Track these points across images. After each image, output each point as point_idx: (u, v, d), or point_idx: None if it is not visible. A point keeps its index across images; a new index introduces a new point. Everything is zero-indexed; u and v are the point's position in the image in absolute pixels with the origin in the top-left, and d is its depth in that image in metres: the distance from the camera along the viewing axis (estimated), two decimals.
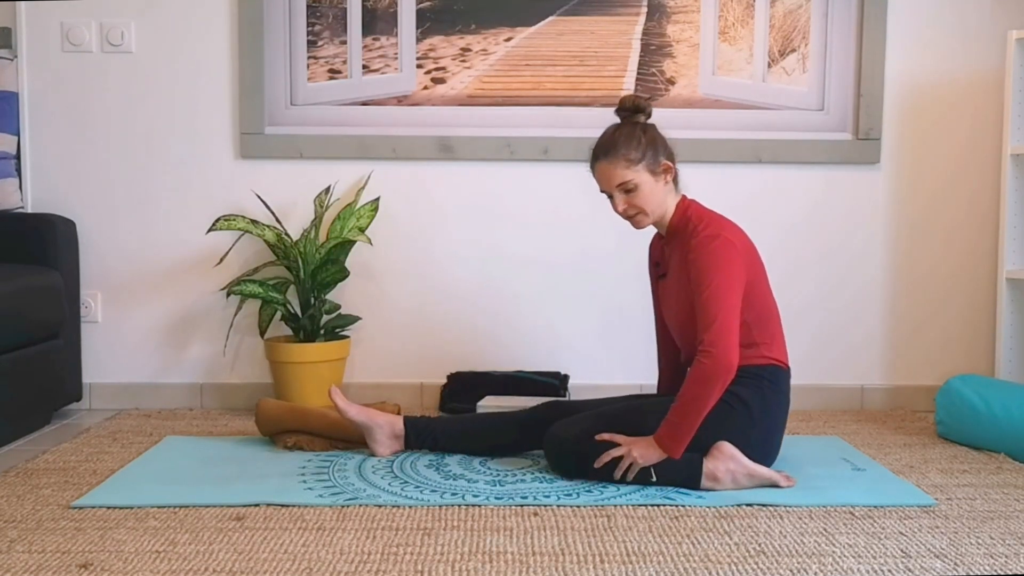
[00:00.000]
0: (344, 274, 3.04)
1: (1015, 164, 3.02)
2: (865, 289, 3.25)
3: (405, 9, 3.15)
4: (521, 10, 3.16)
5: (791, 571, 1.79)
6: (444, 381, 3.18)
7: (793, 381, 2.42)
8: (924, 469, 2.48)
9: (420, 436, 2.55)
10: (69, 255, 3.08)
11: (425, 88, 3.17)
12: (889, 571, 1.80)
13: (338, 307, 3.14)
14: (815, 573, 1.79)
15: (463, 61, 3.17)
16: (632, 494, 2.22)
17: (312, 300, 3.03)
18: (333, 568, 1.79)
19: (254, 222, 3.03)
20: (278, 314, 3.08)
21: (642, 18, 3.17)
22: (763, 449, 2.33)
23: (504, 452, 2.54)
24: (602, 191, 2.37)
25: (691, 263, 2.27)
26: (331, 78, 3.17)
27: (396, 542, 1.92)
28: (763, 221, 3.11)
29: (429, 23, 3.16)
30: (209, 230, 3.02)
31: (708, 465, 2.25)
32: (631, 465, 2.24)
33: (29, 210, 3.15)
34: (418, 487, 2.27)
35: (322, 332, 3.07)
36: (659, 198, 2.34)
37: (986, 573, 1.80)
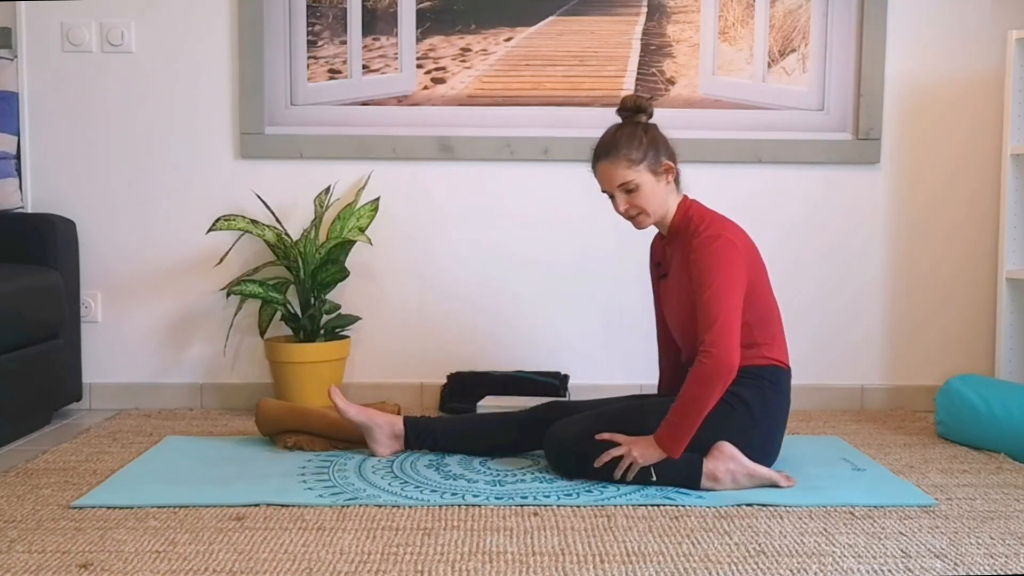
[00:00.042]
0: (344, 274, 3.04)
1: (1015, 164, 3.02)
2: (865, 289, 3.25)
3: (405, 9, 3.15)
4: (521, 10, 3.16)
5: (791, 571, 1.79)
6: (444, 381, 3.18)
7: (793, 381, 2.42)
8: (924, 469, 2.48)
9: (420, 436, 2.55)
10: (69, 255, 3.08)
11: (425, 88, 3.17)
12: (889, 571, 1.80)
13: (338, 307, 3.14)
14: (815, 573, 1.79)
15: (463, 61, 3.17)
16: (632, 494, 2.22)
17: (312, 300, 3.03)
18: (333, 568, 1.79)
19: (254, 222, 3.03)
20: (278, 314, 3.08)
21: (642, 18, 3.17)
22: (764, 449, 2.33)
23: (504, 452, 2.54)
24: (603, 191, 2.37)
25: (692, 263, 2.27)
26: (331, 78, 3.17)
27: (396, 542, 1.92)
28: (763, 221, 3.11)
29: (429, 23, 3.16)
30: (209, 230, 3.02)
31: (708, 465, 2.25)
32: (631, 465, 2.24)
33: (29, 210, 3.15)
34: (418, 487, 2.27)
35: (322, 332, 3.07)
36: (660, 198, 2.34)
37: (986, 573, 1.80)
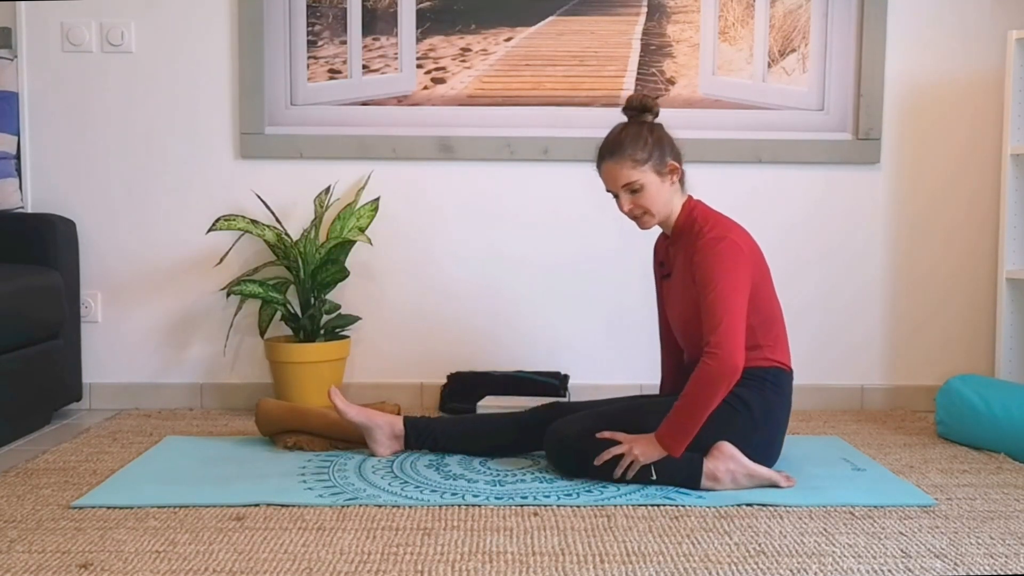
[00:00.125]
0: (344, 274, 3.04)
1: (1015, 164, 3.02)
2: (865, 289, 3.25)
3: (405, 9, 3.15)
4: (521, 10, 3.16)
5: (791, 571, 1.79)
6: (444, 381, 3.18)
7: (794, 381, 2.42)
8: (924, 469, 2.48)
9: (420, 436, 2.55)
10: (69, 255, 3.08)
11: (425, 88, 3.17)
12: (889, 571, 1.80)
13: (338, 307, 3.14)
14: (815, 573, 1.79)
15: (463, 61, 3.17)
16: (632, 494, 2.22)
17: (312, 300, 3.03)
18: (333, 568, 1.79)
19: (254, 222, 3.03)
20: (278, 314, 3.08)
21: (642, 18, 3.17)
22: (765, 451, 2.33)
23: (504, 452, 2.54)
24: (608, 191, 2.37)
25: (697, 264, 2.27)
26: (331, 78, 3.17)
27: (396, 542, 1.92)
28: (763, 221, 3.10)
29: (429, 23, 3.16)
30: (209, 230, 3.02)
31: (708, 465, 2.25)
32: (631, 463, 2.24)
33: (29, 210, 3.15)
34: (418, 487, 2.27)
35: (322, 332, 3.07)
36: (665, 198, 2.34)
37: (986, 573, 1.80)
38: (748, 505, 2.16)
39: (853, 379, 3.26)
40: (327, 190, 3.13)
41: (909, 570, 1.80)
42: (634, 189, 2.31)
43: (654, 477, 2.25)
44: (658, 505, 2.15)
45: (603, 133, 2.38)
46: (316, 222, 3.05)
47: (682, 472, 2.25)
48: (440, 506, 2.15)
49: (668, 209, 2.36)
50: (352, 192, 3.17)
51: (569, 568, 1.80)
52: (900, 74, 3.18)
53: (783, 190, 3.21)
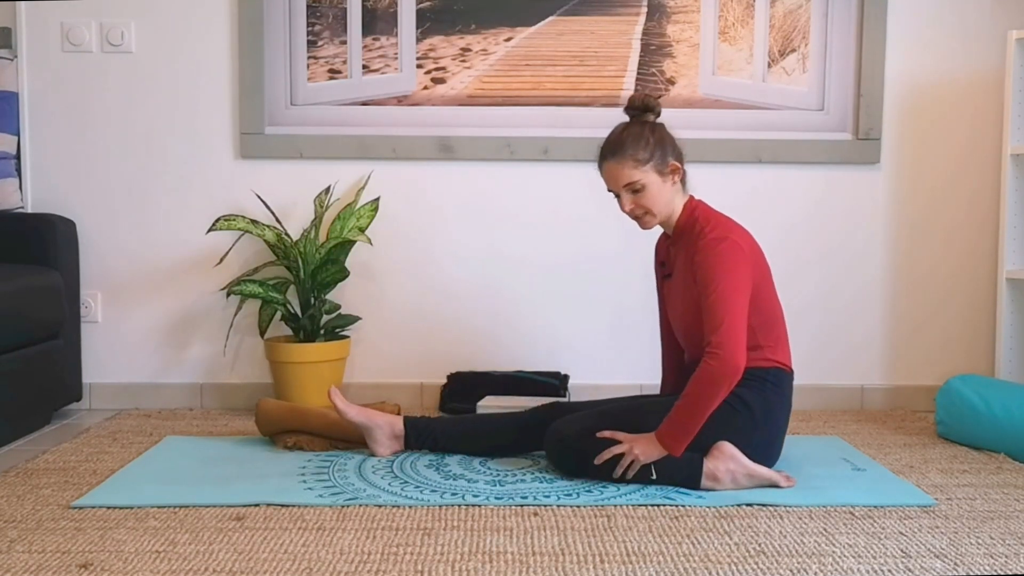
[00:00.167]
0: (344, 274, 3.04)
1: (1015, 164, 3.02)
2: (865, 289, 3.25)
3: (405, 9, 3.15)
4: (521, 10, 3.16)
5: (791, 571, 1.79)
6: (444, 381, 3.18)
7: (794, 381, 2.42)
8: (924, 469, 2.48)
9: (420, 436, 2.55)
10: (69, 255, 3.08)
11: (425, 88, 3.17)
12: (889, 571, 1.80)
13: (338, 307, 3.14)
14: (815, 573, 1.79)
15: (463, 61, 3.17)
16: (632, 494, 2.22)
17: (312, 300, 3.03)
18: (333, 568, 1.79)
19: (254, 222, 3.03)
20: (278, 314, 3.08)
21: (642, 18, 3.17)
22: (765, 451, 2.33)
23: (504, 452, 2.54)
24: (609, 190, 2.37)
25: (698, 265, 2.27)
26: (331, 78, 3.17)
27: (396, 542, 1.92)
28: (763, 221, 3.10)
29: (429, 23, 3.16)
30: (209, 230, 3.02)
31: (708, 465, 2.25)
32: (632, 463, 2.24)
33: (29, 210, 3.15)
34: (418, 487, 2.27)
35: (322, 332, 3.07)
36: (666, 199, 2.34)
37: (986, 573, 1.80)
38: (748, 505, 2.16)
39: (853, 379, 3.26)
40: (327, 190, 3.13)
41: (909, 570, 1.80)
42: (635, 189, 2.31)
43: (654, 477, 2.25)
44: (658, 505, 2.15)
45: (603, 133, 2.39)
46: (316, 222, 3.05)
47: (682, 472, 2.25)
48: (440, 506, 2.15)
49: (669, 209, 2.36)
50: (352, 192, 3.17)
51: (569, 568, 1.80)
52: (900, 74, 3.18)
53: (783, 190, 3.21)
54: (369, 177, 3.17)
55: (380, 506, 2.14)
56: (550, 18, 3.17)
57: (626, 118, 2.38)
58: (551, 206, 3.21)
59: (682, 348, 2.50)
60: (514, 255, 3.22)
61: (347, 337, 3.14)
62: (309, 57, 3.16)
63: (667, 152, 2.32)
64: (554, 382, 3.08)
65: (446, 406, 3.10)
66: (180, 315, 3.21)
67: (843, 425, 2.98)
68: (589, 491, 2.24)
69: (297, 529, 1.99)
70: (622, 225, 2.63)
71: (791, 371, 2.39)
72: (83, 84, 3.15)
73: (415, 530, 1.99)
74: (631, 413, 2.34)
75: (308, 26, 3.16)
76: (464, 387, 3.11)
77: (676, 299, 2.41)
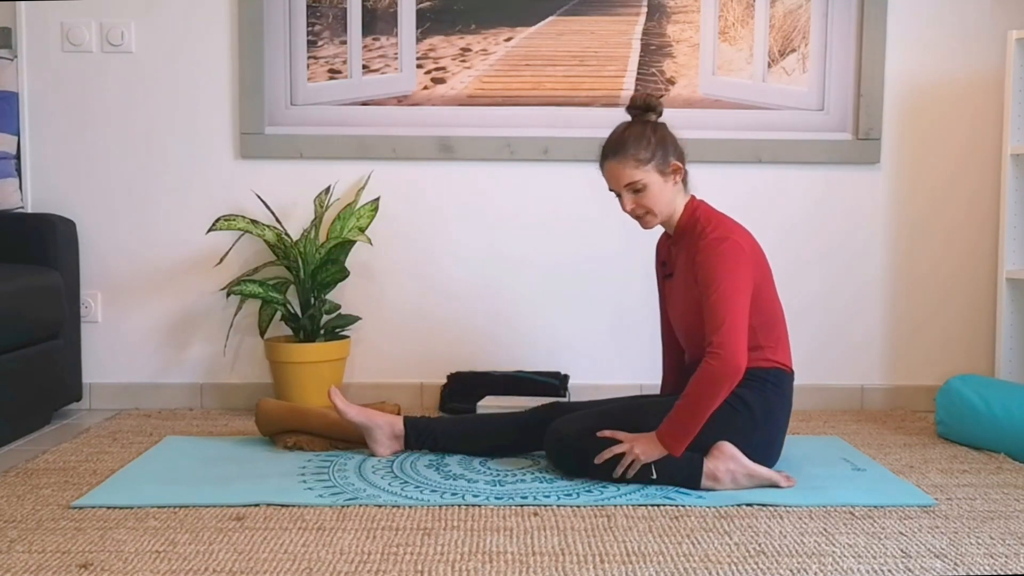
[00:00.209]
0: (344, 274, 3.04)
1: (1015, 164, 3.02)
2: (865, 289, 3.25)
3: (405, 9, 3.15)
4: (521, 10, 3.16)
5: (791, 571, 1.79)
6: (444, 381, 3.18)
7: (794, 382, 2.42)
8: (924, 469, 2.48)
9: (420, 436, 2.55)
10: (69, 255, 3.08)
11: (425, 88, 3.17)
12: (889, 571, 1.80)
13: (338, 307, 3.14)
14: (815, 573, 1.79)
15: (463, 61, 3.17)
16: (632, 494, 2.22)
17: (312, 300, 3.03)
18: (333, 568, 1.79)
19: (254, 222, 3.03)
20: (278, 314, 3.08)
21: (642, 18, 3.17)
22: (765, 452, 2.33)
23: (504, 452, 2.54)
24: (610, 190, 2.36)
25: (699, 265, 2.26)
26: (331, 78, 3.17)
27: (396, 542, 1.92)
28: (763, 221, 3.10)
29: (429, 23, 3.16)
30: (209, 230, 3.02)
31: (708, 465, 2.25)
32: (632, 462, 2.24)
33: (29, 210, 3.15)
34: (418, 487, 2.27)
35: (322, 332, 3.07)
36: (667, 198, 2.34)
37: (986, 573, 1.80)
38: (748, 505, 2.16)
39: (853, 379, 3.26)
40: (327, 190, 3.13)
41: (909, 570, 1.80)
42: (636, 189, 2.31)
43: (654, 476, 2.25)
44: (658, 505, 2.15)
45: (603, 133, 2.39)
46: (316, 222, 3.05)
47: (682, 471, 2.25)
48: (440, 506, 2.15)
49: (671, 209, 2.36)
50: (352, 192, 3.17)
51: (569, 568, 1.80)
52: (900, 74, 3.18)
53: (783, 190, 3.21)
54: (369, 177, 3.17)
55: (380, 506, 2.14)
56: (550, 18, 3.17)
57: (628, 117, 2.38)
58: (551, 206, 3.21)
59: (682, 348, 2.50)
60: (514, 255, 3.22)
61: (347, 337, 3.14)
62: (309, 57, 3.16)
63: (669, 152, 2.31)
64: (554, 382, 3.08)
65: (446, 406, 3.10)
66: (180, 315, 3.21)
67: (843, 425, 2.98)
68: (589, 491, 2.24)
69: (297, 529, 1.99)
70: (622, 225, 2.64)
71: (791, 372, 2.39)
72: (83, 84, 3.15)
73: (415, 530, 1.99)
74: (631, 413, 2.34)
75: (308, 26, 3.16)
76: (464, 387, 3.11)
77: (677, 299, 2.41)
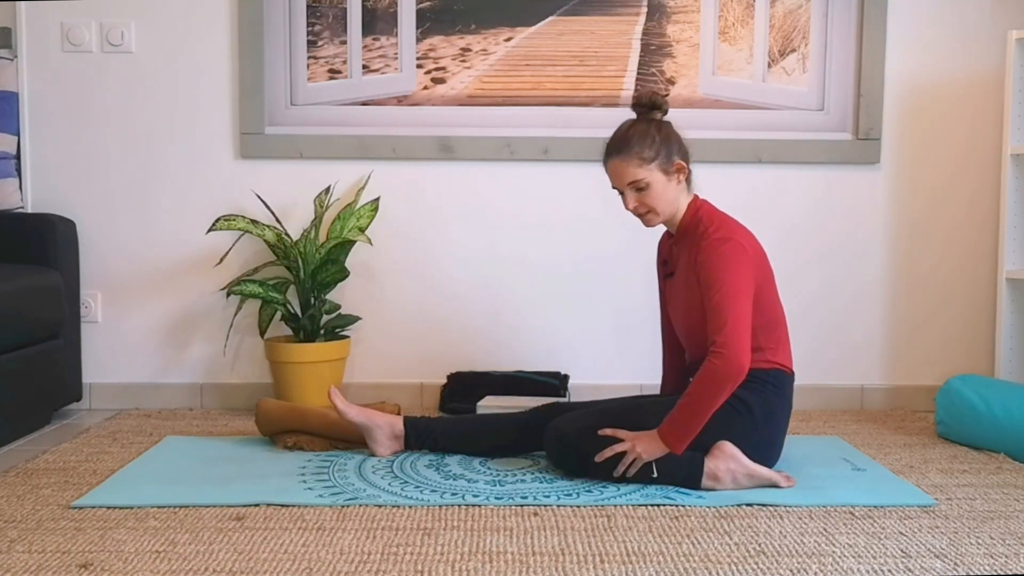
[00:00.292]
0: (344, 274, 3.04)
1: (1015, 164, 3.02)
2: (865, 289, 3.25)
3: (405, 9, 3.15)
4: (521, 10, 3.16)
5: (791, 571, 1.79)
6: (444, 381, 3.18)
7: (794, 382, 2.42)
8: (924, 469, 2.48)
9: (420, 436, 2.55)
10: (69, 255, 3.08)
11: (425, 88, 3.17)
12: (889, 571, 1.80)
13: (338, 307, 3.14)
14: (815, 573, 1.79)
15: (463, 61, 3.17)
16: (632, 494, 2.22)
17: (312, 300, 3.03)
18: (333, 568, 1.79)
19: (254, 222, 3.03)
20: (278, 314, 3.08)
21: (642, 18, 3.17)
22: (765, 452, 2.33)
23: (504, 452, 2.54)
24: (613, 187, 2.36)
25: (701, 265, 2.26)
26: (331, 78, 3.17)
27: (396, 542, 1.92)
28: (763, 221, 3.10)
29: (429, 23, 3.16)
30: (209, 230, 3.02)
31: (709, 464, 2.25)
32: (634, 461, 2.23)
33: (29, 210, 3.15)
34: (418, 487, 2.27)
35: (322, 332, 3.07)
36: (670, 197, 2.34)
37: (986, 573, 1.80)
38: (748, 505, 2.16)
39: (853, 379, 3.26)
40: (327, 190, 3.13)
41: (909, 570, 1.80)
42: (640, 187, 2.31)
43: (655, 475, 2.25)
44: (658, 505, 2.15)
45: (603, 133, 2.39)
46: (316, 222, 3.05)
47: (683, 471, 2.25)
48: (440, 506, 2.15)
49: (673, 208, 2.36)
50: (352, 192, 3.17)
51: (569, 568, 1.80)
52: (900, 74, 3.18)
53: (783, 190, 3.21)
54: (369, 177, 3.17)
55: (380, 506, 2.14)
56: (550, 18, 3.17)
57: (632, 116, 2.37)
58: (551, 206, 3.21)
59: (683, 348, 2.50)
60: (514, 255, 3.22)
61: (347, 337, 3.14)
62: (309, 57, 3.16)
63: (672, 151, 2.31)
64: (554, 382, 3.08)
65: (446, 406, 3.10)
66: (180, 315, 3.21)
67: (843, 425, 2.98)
68: (589, 491, 2.24)
69: (297, 529, 1.99)
70: (622, 225, 2.63)
71: (792, 373, 2.39)
72: (83, 84, 3.15)
73: (415, 530, 1.99)
74: (631, 412, 2.34)
75: (308, 26, 3.16)
76: (464, 387, 3.11)
77: (678, 298, 2.41)
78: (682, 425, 2.20)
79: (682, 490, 2.24)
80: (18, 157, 3.12)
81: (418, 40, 3.16)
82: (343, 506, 2.14)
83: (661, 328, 2.61)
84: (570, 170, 3.17)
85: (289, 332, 3.12)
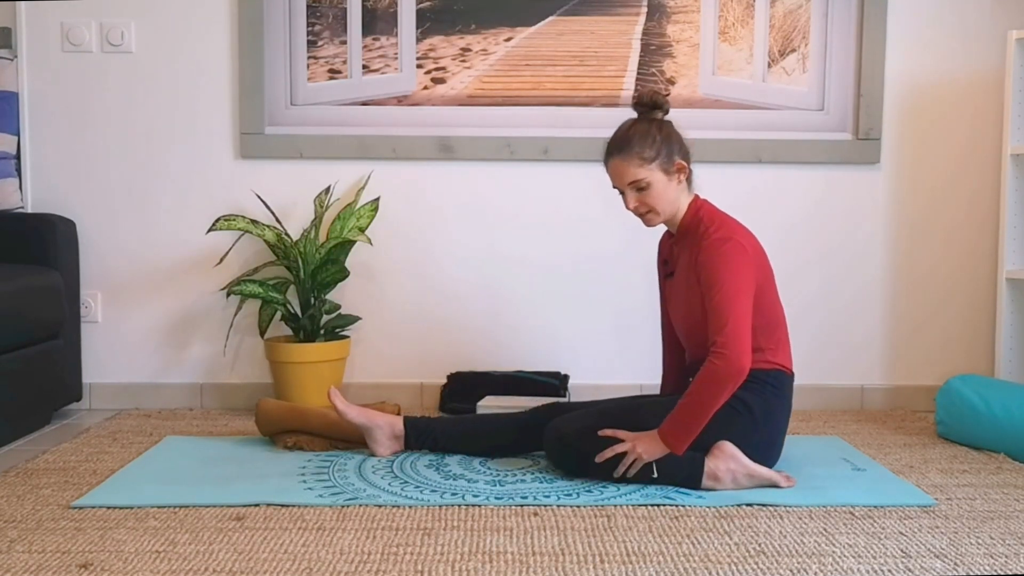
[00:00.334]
0: (344, 274, 3.04)
1: (1015, 164, 3.02)
2: (865, 289, 3.25)
3: (405, 9, 3.15)
4: (521, 10, 3.16)
5: (791, 571, 1.79)
6: (444, 381, 3.18)
7: (794, 382, 2.42)
8: (924, 469, 2.48)
9: (420, 437, 2.55)
10: (69, 255, 3.08)
11: (425, 88, 3.17)
12: (889, 571, 1.80)
13: (338, 307, 3.14)
14: (815, 573, 1.79)
15: (463, 61, 3.17)
16: (632, 494, 2.22)
17: (312, 300, 3.03)
18: (333, 568, 1.79)
19: (254, 222, 3.03)
20: (278, 314, 3.08)
21: (642, 18, 3.17)
22: (765, 453, 2.33)
23: (504, 452, 2.54)
24: (614, 187, 2.36)
25: (701, 265, 2.26)
26: (331, 78, 3.17)
27: (396, 542, 1.92)
28: (763, 221, 3.10)
29: (429, 23, 3.16)
30: (209, 230, 3.02)
31: (709, 464, 2.25)
32: (634, 461, 2.23)
33: (29, 210, 3.15)
34: (418, 487, 2.27)
35: (322, 332, 3.07)
36: (671, 197, 2.33)
37: (986, 573, 1.80)
38: (748, 505, 2.16)
39: (853, 379, 3.26)
40: (327, 190, 3.13)
41: (909, 570, 1.80)
42: (640, 187, 2.31)
43: (655, 475, 2.25)
44: (658, 505, 2.15)
45: (603, 133, 2.39)
46: (316, 222, 3.05)
47: (683, 471, 2.25)
48: (440, 506, 2.15)
49: (674, 208, 2.36)
50: (352, 192, 3.17)
51: (569, 568, 1.80)
52: (900, 74, 3.18)
53: (783, 190, 3.21)
54: (369, 177, 3.17)
55: (380, 506, 2.14)
56: (550, 18, 3.17)
57: (633, 115, 2.37)
58: (551, 206, 3.21)
59: (683, 348, 2.50)
60: (514, 255, 3.22)
61: (347, 337, 3.14)
62: (309, 57, 3.16)
63: (673, 150, 2.31)
64: (554, 382, 3.08)
65: (446, 406, 3.10)
66: (180, 315, 3.21)
67: (843, 425, 2.98)
68: (589, 491, 2.24)
69: (297, 529, 1.99)
70: (622, 225, 2.63)
71: (791, 373, 2.38)
72: (83, 84, 3.15)
73: (415, 530, 1.99)
74: (631, 412, 2.34)
75: (308, 26, 3.16)
76: (464, 387, 3.11)
77: (678, 299, 2.41)
78: (683, 426, 2.20)
79: (682, 490, 2.24)
80: (18, 157, 3.12)
81: (418, 40, 3.16)
82: (343, 506, 2.14)
83: (661, 328, 2.60)
84: (570, 170, 3.17)
85: (289, 332, 3.12)
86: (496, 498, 2.19)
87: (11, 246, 2.97)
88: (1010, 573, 1.80)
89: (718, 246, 2.25)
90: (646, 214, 2.35)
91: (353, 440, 2.58)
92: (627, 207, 2.35)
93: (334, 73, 3.17)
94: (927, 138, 3.21)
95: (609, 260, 3.20)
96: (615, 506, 2.14)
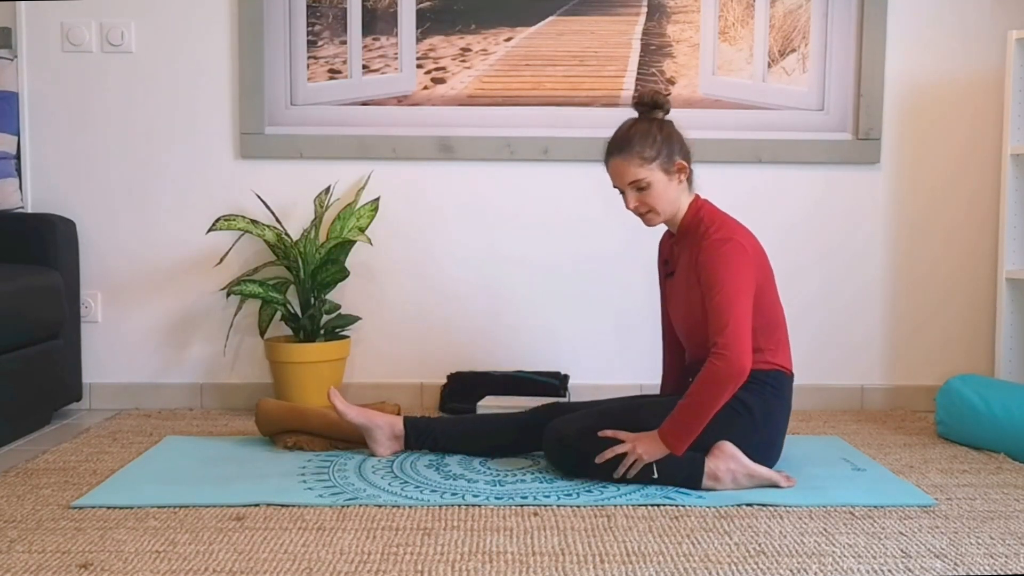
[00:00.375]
0: (344, 274, 3.04)
1: (1015, 164, 3.02)
2: (865, 289, 3.25)
3: (405, 9, 3.15)
4: (521, 10, 3.16)
5: (791, 571, 1.79)
6: (444, 381, 3.18)
7: (794, 382, 2.42)
8: (924, 469, 2.48)
9: (420, 437, 2.55)
10: (69, 255, 3.08)
11: (425, 88, 3.17)
12: (889, 571, 1.80)
13: (338, 307, 3.14)
14: (815, 573, 1.79)
15: (463, 61, 3.17)
16: (632, 494, 2.22)
17: (312, 300, 3.03)
18: (333, 568, 1.79)
19: (254, 222, 3.03)
20: (278, 314, 3.08)
21: (642, 18, 3.17)
22: (765, 454, 2.33)
23: (504, 452, 2.54)
24: (614, 187, 2.36)
25: (701, 265, 2.26)
26: (331, 78, 3.17)
27: (396, 542, 1.92)
28: (763, 221, 3.10)
29: (429, 23, 3.16)
30: (209, 230, 3.02)
31: (709, 464, 2.25)
32: (635, 462, 2.23)
33: (29, 210, 3.15)
34: (418, 487, 2.27)
35: (322, 332, 3.07)
36: (671, 197, 2.33)
37: (986, 573, 1.80)
38: (748, 505, 2.16)
39: (853, 379, 3.26)
40: (327, 190, 3.13)
41: (909, 570, 1.80)
42: (641, 187, 2.31)
43: (656, 475, 2.25)
44: (658, 505, 2.15)
45: (603, 133, 2.39)
46: (316, 222, 3.05)
47: (684, 471, 2.25)
48: (440, 506, 2.15)
49: (674, 208, 2.36)
50: (352, 192, 3.17)
51: (569, 568, 1.80)
52: (900, 74, 3.18)
53: (783, 190, 3.21)
54: (369, 177, 3.17)
55: (380, 506, 2.14)
56: (550, 18, 3.17)
57: (633, 115, 2.37)
58: (551, 206, 3.21)
59: (683, 348, 2.50)
60: (514, 255, 3.22)
61: (347, 337, 3.14)
62: (309, 57, 3.16)
63: (674, 150, 2.31)
64: (554, 382, 3.08)
65: (446, 406, 3.10)
66: (180, 315, 3.21)
67: (843, 425, 2.98)
68: (589, 491, 2.24)
69: (297, 529, 1.99)
70: (622, 225, 2.63)
71: (791, 374, 2.38)
72: (83, 84, 3.15)
73: (415, 530, 1.99)
74: (631, 413, 2.34)
75: (308, 26, 3.16)
76: (464, 387, 3.11)
77: (678, 299, 2.41)
78: (683, 426, 2.20)
79: (682, 490, 2.24)
80: (18, 157, 3.12)
81: (418, 40, 3.16)
82: (343, 506, 2.14)
83: (661, 328, 2.60)
84: (570, 170, 3.17)
85: (289, 332, 3.12)
86: (496, 498, 2.19)
87: (11, 246, 2.97)
88: (1010, 573, 1.80)
89: (718, 246, 2.25)
90: (646, 214, 2.35)
91: (353, 440, 2.58)
92: (627, 207, 2.35)
93: (334, 73, 3.17)
94: (927, 138, 3.21)
95: (609, 260, 3.20)
96: (615, 506, 2.14)
